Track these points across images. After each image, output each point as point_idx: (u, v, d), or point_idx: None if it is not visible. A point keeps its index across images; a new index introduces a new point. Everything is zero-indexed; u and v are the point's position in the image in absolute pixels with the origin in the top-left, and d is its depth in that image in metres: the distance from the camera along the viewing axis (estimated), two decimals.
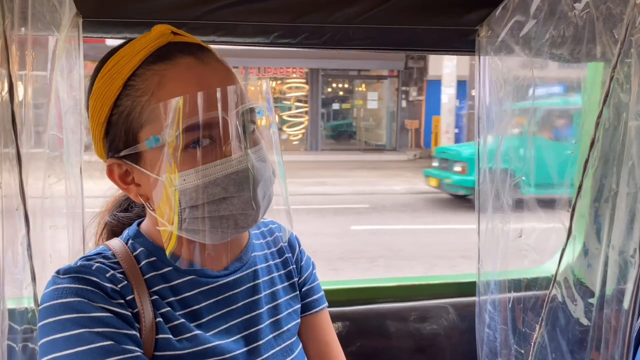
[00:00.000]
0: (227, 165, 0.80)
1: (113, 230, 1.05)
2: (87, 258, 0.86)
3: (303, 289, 1.10)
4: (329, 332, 1.12)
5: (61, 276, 0.80)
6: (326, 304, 1.14)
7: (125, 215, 1.06)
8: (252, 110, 0.86)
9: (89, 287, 0.79)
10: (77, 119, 1.27)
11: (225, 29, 1.42)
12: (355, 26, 1.45)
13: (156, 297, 0.86)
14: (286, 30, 1.45)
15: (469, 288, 1.72)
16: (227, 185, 0.80)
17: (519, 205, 1.30)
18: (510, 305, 1.32)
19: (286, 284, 1.07)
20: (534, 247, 1.27)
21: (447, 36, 1.54)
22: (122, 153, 0.85)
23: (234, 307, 0.94)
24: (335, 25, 1.44)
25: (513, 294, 1.33)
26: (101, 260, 0.85)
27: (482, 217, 1.51)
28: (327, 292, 1.15)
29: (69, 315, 0.76)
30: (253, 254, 1.02)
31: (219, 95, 0.80)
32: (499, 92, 1.40)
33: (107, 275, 0.82)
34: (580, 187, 1.02)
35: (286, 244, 1.11)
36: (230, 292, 0.94)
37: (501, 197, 1.35)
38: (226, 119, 0.80)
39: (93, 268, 0.82)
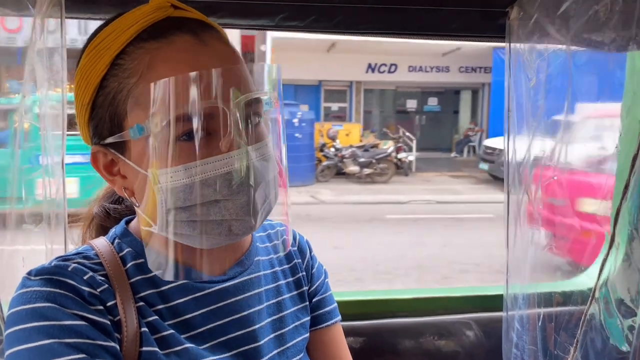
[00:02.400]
0: (222, 163, 0.74)
1: (102, 224, 1.00)
2: (64, 258, 0.81)
3: (313, 300, 1.04)
4: (342, 349, 1.06)
5: (32, 278, 0.75)
6: (339, 317, 1.08)
7: (115, 208, 1.01)
8: (257, 100, 0.79)
9: (62, 291, 0.73)
10: (59, 105, 1.21)
11: (226, 10, 1.34)
12: (371, 6, 1.37)
13: (142, 303, 0.81)
14: (293, 10, 1.37)
15: (495, 302, 1.63)
16: (221, 186, 0.74)
17: (553, 210, 1.20)
18: (540, 323, 1.23)
19: (294, 293, 1.01)
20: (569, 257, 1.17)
21: (473, 20, 1.45)
22: (107, 141, 0.80)
23: (232, 317, 0.88)
24: (349, 5, 1.37)
25: (543, 310, 1.23)
26: (80, 260, 0.80)
27: (511, 223, 1.41)
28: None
29: (36, 323, 0.70)
30: (256, 259, 0.96)
31: (215, 80, 0.73)
32: (530, 83, 1.30)
33: (85, 277, 0.77)
34: (626, 187, 0.91)
35: (295, 248, 1.05)
36: (229, 300, 0.88)
37: (533, 201, 1.25)
38: (223, 109, 0.74)
39: (69, 269, 0.77)
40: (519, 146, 1.35)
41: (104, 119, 0.80)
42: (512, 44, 1.41)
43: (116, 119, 0.79)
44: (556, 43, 1.17)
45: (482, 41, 1.52)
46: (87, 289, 0.76)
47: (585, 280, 1.44)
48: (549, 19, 1.17)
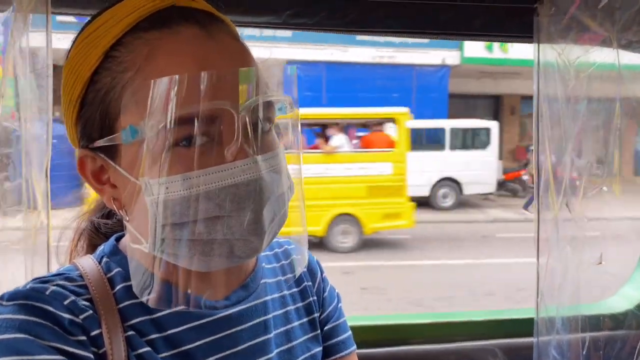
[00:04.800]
0: (226, 174, 0.67)
1: (91, 242, 0.93)
2: (43, 280, 0.73)
3: (326, 328, 0.97)
4: None
5: (4, 303, 0.68)
6: (354, 346, 1.00)
7: (106, 223, 0.93)
8: (270, 104, 0.72)
9: (37, 319, 0.66)
10: (43, 108, 1.14)
11: (230, 5, 1.26)
12: (387, 1, 1.30)
13: (132, 332, 0.74)
14: (302, 6, 1.32)
15: (523, 326, 1.56)
16: (223, 200, 0.67)
17: (596, 222, 1.12)
18: (584, 351, 1.13)
19: (304, 320, 0.94)
20: (617, 275, 1.08)
21: (497, 17, 1.40)
22: (96, 144, 0.72)
23: (236, 349, 0.80)
24: (364, 0, 1.30)
25: (589, 335, 1.14)
26: (61, 282, 0.73)
27: (542, 239, 1.32)
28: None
29: (6, 358, 0.63)
30: (263, 281, 0.88)
31: (223, 79, 0.66)
32: (567, 85, 1.22)
33: (66, 302, 0.69)
34: None
35: (305, 269, 0.97)
36: (232, 330, 0.81)
37: (571, 213, 1.17)
38: (230, 112, 0.67)
39: (47, 293, 0.69)
40: (553, 157, 1.28)
41: (93, 119, 0.73)
42: (541, 44, 1.34)
43: (107, 119, 0.71)
44: (598, 41, 1.09)
45: (506, 41, 1.46)
46: (67, 316, 0.68)
47: (620, 301, 1.36)
48: (589, 12, 1.10)
